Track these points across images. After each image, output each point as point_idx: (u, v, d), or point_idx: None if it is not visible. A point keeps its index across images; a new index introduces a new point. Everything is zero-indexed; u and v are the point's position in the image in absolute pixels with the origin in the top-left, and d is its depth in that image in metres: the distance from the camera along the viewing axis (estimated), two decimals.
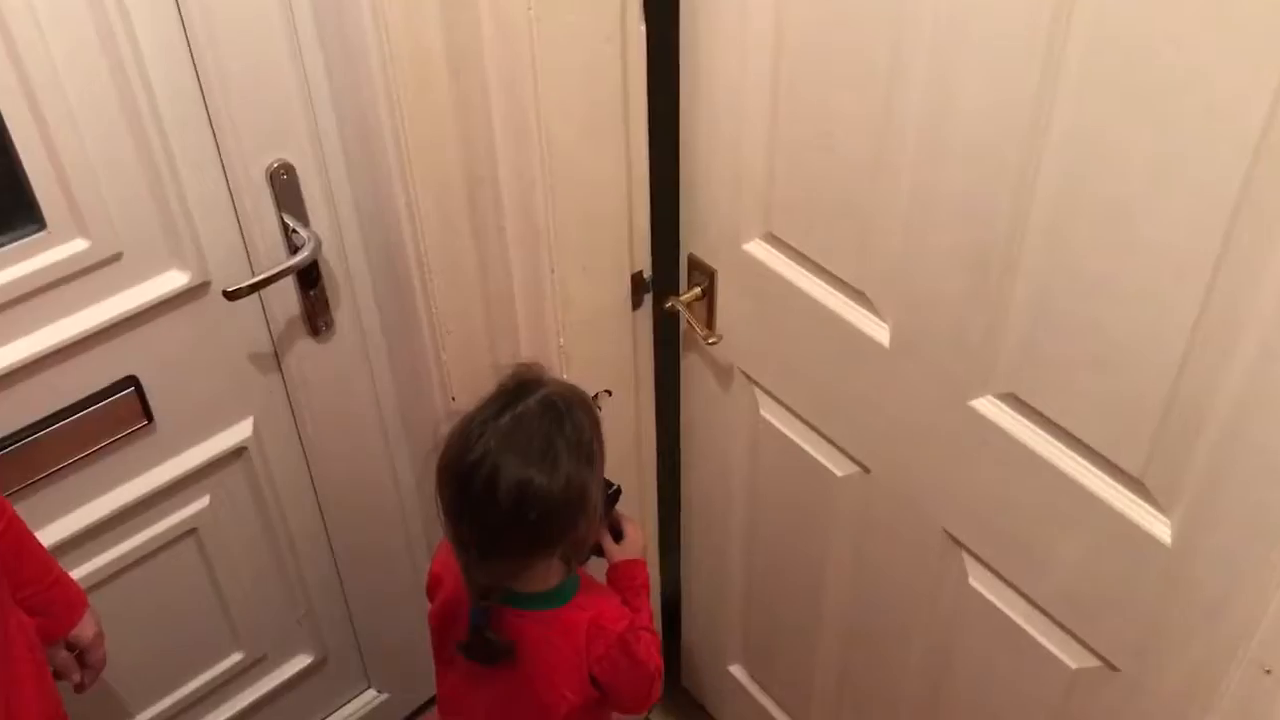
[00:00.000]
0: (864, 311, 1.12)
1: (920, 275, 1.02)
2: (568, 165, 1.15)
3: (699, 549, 1.64)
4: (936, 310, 1.02)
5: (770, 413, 1.33)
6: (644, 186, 1.24)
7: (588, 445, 1.05)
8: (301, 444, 1.43)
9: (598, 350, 1.29)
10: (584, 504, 1.05)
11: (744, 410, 1.37)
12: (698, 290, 1.31)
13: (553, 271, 1.20)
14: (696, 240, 1.30)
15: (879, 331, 1.11)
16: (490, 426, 1.02)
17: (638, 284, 1.32)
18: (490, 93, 1.10)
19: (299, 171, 1.21)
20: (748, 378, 1.34)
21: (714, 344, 1.30)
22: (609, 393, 1.31)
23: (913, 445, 1.14)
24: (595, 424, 1.08)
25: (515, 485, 1.00)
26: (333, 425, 1.43)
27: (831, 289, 1.15)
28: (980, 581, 1.13)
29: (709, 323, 1.32)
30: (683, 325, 1.39)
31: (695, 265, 1.31)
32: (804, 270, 1.17)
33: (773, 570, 1.49)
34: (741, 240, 1.22)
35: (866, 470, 1.23)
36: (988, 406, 1.03)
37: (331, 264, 1.30)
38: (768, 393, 1.32)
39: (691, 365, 1.43)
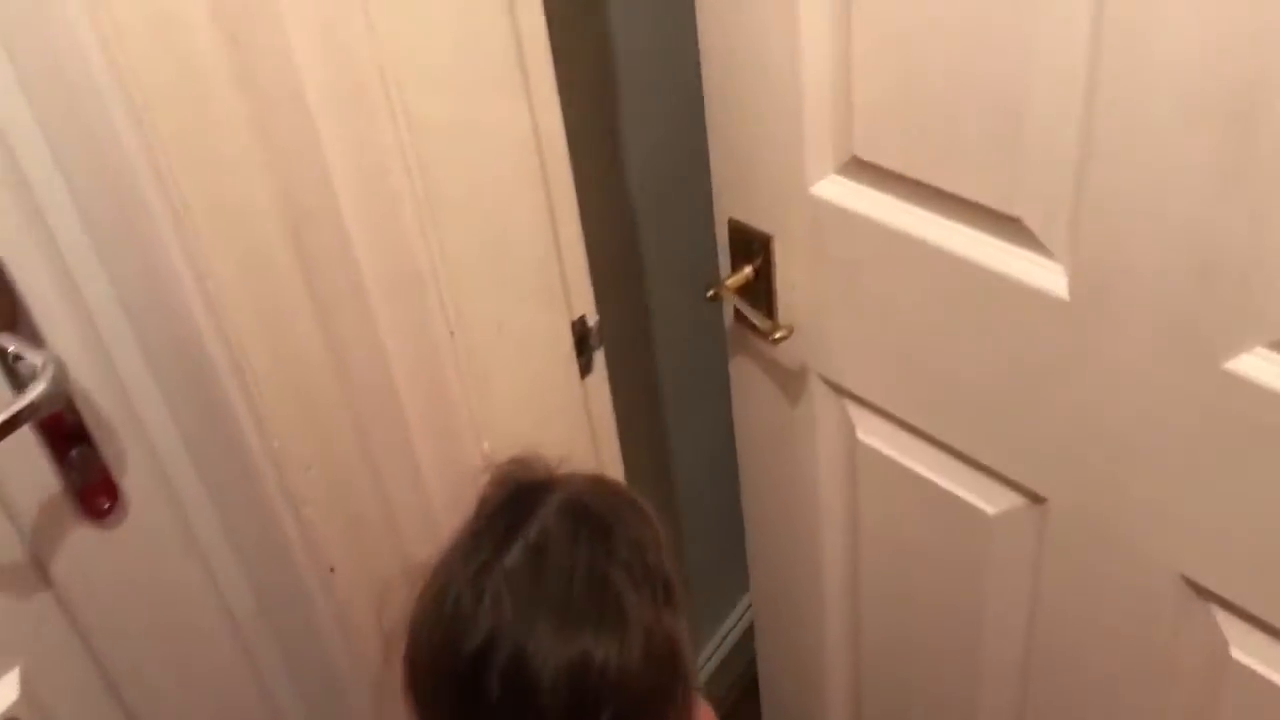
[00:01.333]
0: (1022, 251, 0.77)
1: (1117, 172, 0.67)
2: (446, 161, 0.75)
3: (782, 655, 1.27)
4: (1151, 225, 0.67)
5: (872, 433, 0.98)
6: (563, 169, 0.82)
7: (657, 568, 0.67)
8: (113, 690, 0.93)
9: (542, 448, 0.83)
10: (676, 669, 0.66)
11: (832, 434, 1.01)
12: (747, 270, 0.97)
13: (452, 335, 0.80)
14: (738, 198, 0.96)
15: (1050, 278, 0.76)
16: (493, 577, 0.63)
17: (581, 339, 0.91)
18: (295, 55, 0.67)
19: (5, 262, 0.75)
20: (832, 386, 0.98)
21: (781, 340, 0.95)
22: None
23: (1119, 449, 0.78)
24: (655, 532, 0.70)
25: (566, 671, 0.61)
26: (157, 650, 0.93)
27: (960, 225, 0.80)
28: (1250, 652, 0.78)
29: (769, 313, 0.98)
30: (728, 321, 1.05)
31: (740, 234, 0.97)
32: (911, 205, 0.83)
33: (898, 670, 1.13)
34: (809, 180, 0.88)
35: (1038, 500, 0.87)
36: (1258, 366, 0.68)
37: (98, 403, 0.84)
38: (865, 404, 0.97)
39: (745, 378, 1.08)
